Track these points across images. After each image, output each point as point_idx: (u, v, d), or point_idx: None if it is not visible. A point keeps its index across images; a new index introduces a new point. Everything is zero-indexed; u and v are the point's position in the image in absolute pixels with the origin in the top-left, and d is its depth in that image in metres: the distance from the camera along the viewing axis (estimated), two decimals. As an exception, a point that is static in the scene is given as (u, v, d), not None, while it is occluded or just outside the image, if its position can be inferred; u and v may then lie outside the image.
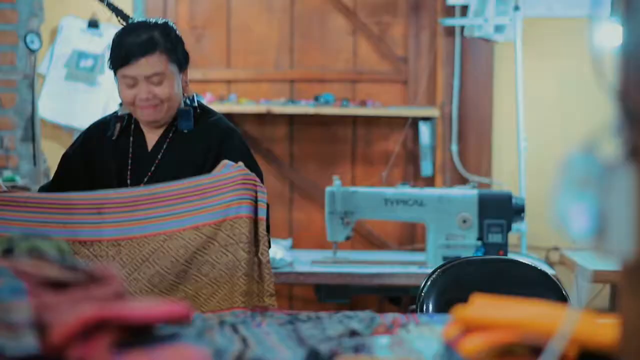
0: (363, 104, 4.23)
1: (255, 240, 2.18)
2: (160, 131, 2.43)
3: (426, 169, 4.22)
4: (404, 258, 3.75)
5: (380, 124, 4.31)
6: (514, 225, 3.53)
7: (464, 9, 4.07)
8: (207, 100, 4.20)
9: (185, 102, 2.43)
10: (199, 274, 2.16)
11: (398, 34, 4.32)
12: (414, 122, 4.25)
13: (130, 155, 2.41)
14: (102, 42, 4.18)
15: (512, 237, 3.96)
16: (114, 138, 2.43)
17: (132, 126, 2.46)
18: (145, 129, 2.44)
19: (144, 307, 1.33)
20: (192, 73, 4.35)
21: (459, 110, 4.22)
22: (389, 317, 1.88)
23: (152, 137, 2.44)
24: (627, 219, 0.97)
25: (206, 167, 2.34)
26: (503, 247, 3.43)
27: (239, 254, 2.16)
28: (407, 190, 3.46)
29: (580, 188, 1.00)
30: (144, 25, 2.37)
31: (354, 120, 4.31)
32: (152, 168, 2.39)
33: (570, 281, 3.95)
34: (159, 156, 2.40)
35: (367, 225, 4.31)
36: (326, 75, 4.32)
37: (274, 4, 4.31)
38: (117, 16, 2.45)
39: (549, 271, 2.58)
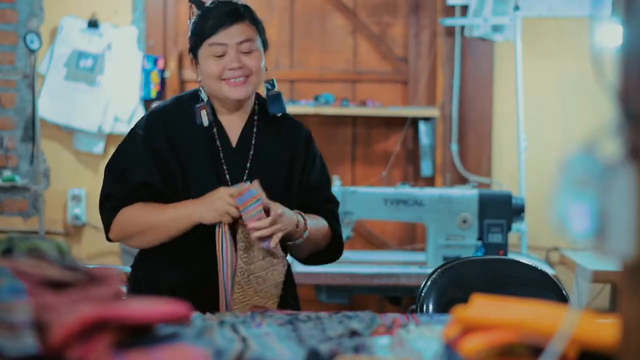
0: (363, 104, 4.23)
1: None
2: (241, 122, 2.28)
3: (426, 169, 4.22)
4: (404, 258, 3.75)
5: (380, 124, 4.31)
6: (514, 225, 3.53)
7: (464, 9, 4.07)
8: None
9: (266, 87, 2.30)
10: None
11: (398, 34, 4.32)
12: (414, 122, 4.25)
13: (220, 148, 2.24)
14: (102, 42, 4.18)
15: (512, 237, 3.96)
16: (206, 125, 2.23)
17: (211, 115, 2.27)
18: (223, 120, 2.27)
19: (144, 307, 1.33)
20: (192, 73, 4.36)
21: (459, 110, 4.22)
22: (389, 317, 1.88)
23: (233, 130, 2.27)
24: (627, 219, 0.97)
25: (293, 169, 2.28)
26: (503, 247, 3.43)
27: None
28: (407, 190, 3.46)
29: (580, 188, 1.00)
30: (226, 3, 2.24)
31: (354, 120, 4.31)
32: (248, 164, 2.25)
33: (571, 281, 3.95)
34: (251, 152, 2.26)
35: (367, 225, 4.31)
36: (326, 75, 4.33)
37: (274, 4, 4.31)
38: (191, 2, 2.27)
39: (549, 271, 2.58)
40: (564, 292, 2.33)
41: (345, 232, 3.45)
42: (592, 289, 3.98)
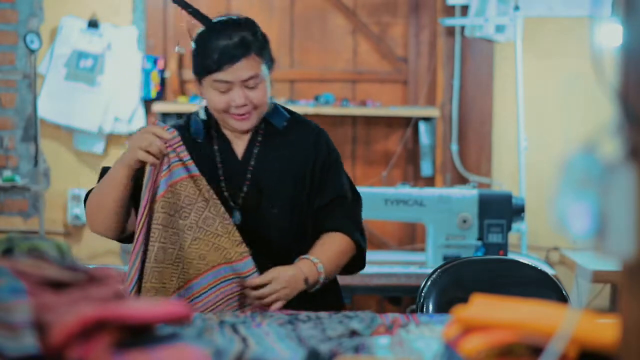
0: (363, 104, 4.24)
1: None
2: (247, 136, 2.24)
3: (426, 169, 4.22)
4: (404, 258, 3.75)
5: (380, 124, 4.31)
6: (514, 225, 3.53)
7: (464, 9, 4.07)
8: (207, 100, 4.20)
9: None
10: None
11: (398, 34, 4.32)
12: (414, 122, 4.25)
13: (219, 164, 2.21)
14: (102, 42, 4.18)
15: (512, 237, 3.96)
16: (199, 141, 2.20)
17: (214, 131, 2.24)
18: (229, 135, 2.24)
19: (144, 307, 1.33)
20: (192, 73, 4.36)
21: (459, 110, 4.22)
22: (389, 317, 1.88)
23: (239, 144, 2.23)
24: (627, 219, 0.97)
25: (303, 168, 2.22)
26: (503, 247, 3.43)
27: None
28: (407, 190, 3.46)
29: (580, 188, 1.00)
30: (232, 25, 2.14)
31: (354, 120, 4.31)
32: (249, 176, 2.20)
33: (571, 281, 3.95)
34: (252, 163, 2.21)
35: (367, 225, 4.30)
36: (326, 75, 4.33)
37: (274, 4, 4.31)
38: (194, 17, 2.18)
39: (549, 271, 2.58)
40: (564, 292, 2.33)
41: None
42: (592, 289, 3.98)
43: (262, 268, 2.09)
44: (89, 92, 4.16)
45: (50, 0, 4.22)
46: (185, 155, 2.06)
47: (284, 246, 2.19)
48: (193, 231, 2.07)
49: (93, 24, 4.17)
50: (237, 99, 2.12)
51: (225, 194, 2.18)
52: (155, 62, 4.22)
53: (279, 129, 2.25)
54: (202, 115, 2.23)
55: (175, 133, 2.06)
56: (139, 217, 2.04)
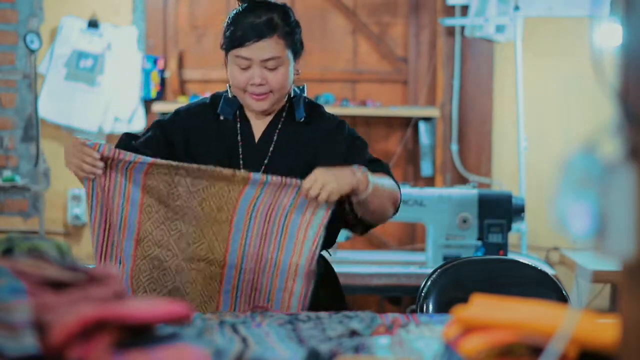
0: (363, 104, 4.24)
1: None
2: (267, 119, 2.28)
3: (426, 169, 4.22)
4: (404, 258, 3.75)
5: (380, 124, 4.31)
6: (514, 225, 3.53)
7: (464, 9, 4.07)
8: (207, 100, 4.20)
9: (294, 91, 2.30)
10: None
11: (398, 34, 4.32)
12: (414, 122, 4.25)
13: (240, 142, 2.25)
14: (102, 42, 4.18)
15: (512, 237, 3.96)
16: (223, 118, 2.26)
17: (238, 112, 2.29)
18: (251, 116, 2.28)
19: (144, 307, 1.33)
20: (192, 73, 4.38)
21: (459, 110, 4.22)
22: (389, 317, 1.88)
23: (259, 125, 2.27)
24: (627, 219, 0.96)
25: (318, 160, 2.19)
26: (503, 247, 3.42)
27: None
28: (407, 190, 3.46)
29: (580, 188, 1.00)
30: (264, 6, 2.20)
31: (354, 120, 4.31)
32: (265, 161, 2.23)
33: (571, 281, 3.95)
34: (271, 148, 2.25)
35: (367, 225, 4.31)
36: (326, 75, 4.32)
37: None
38: None
39: (549, 271, 2.58)
40: (564, 292, 2.33)
41: (346, 232, 3.45)
42: (592, 289, 3.98)
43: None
44: (89, 92, 4.16)
45: (50, 0, 4.22)
46: (129, 156, 2.08)
47: None
48: (192, 197, 2.10)
49: (93, 24, 4.17)
50: (255, 77, 2.16)
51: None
52: (155, 62, 4.22)
53: (300, 119, 2.28)
54: (230, 94, 2.27)
55: (101, 145, 2.08)
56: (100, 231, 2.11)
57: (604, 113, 3.79)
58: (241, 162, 2.24)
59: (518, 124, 3.88)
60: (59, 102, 4.15)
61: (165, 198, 2.09)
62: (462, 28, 4.13)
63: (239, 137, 2.26)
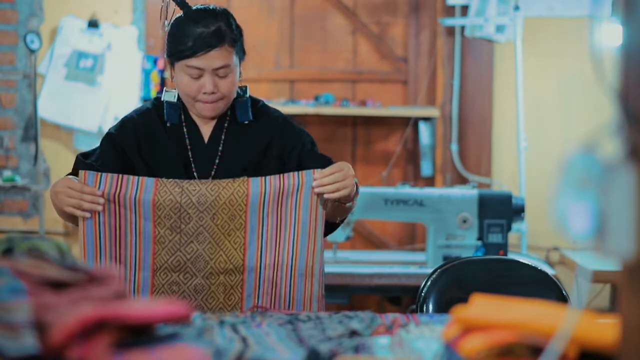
0: (363, 104, 4.24)
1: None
2: (213, 122, 2.32)
3: (426, 169, 4.22)
4: (404, 258, 3.75)
5: (380, 124, 4.31)
6: (514, 225, 3.53)
7: (464, 9, 4.07)
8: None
9: (238, 93, 2.32)
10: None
11: (398, 34, 4.32)
12: (414, 122, 4.25)
13: (189, 146, 2.28)
14: (102, 42, 4.18)
15: (512, 237, 3.96)
16: (169, 124, 2.29)
17: (183, 115, 2.32)
18: (196, 119, 2.31)
19: (144, 307, 1.33)
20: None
21: (459, 110, 4.22)
22: (389, 317, 1.88)
23: (206, 128, 2.31)
24: (627, 219, 0.96)
25: (267, 156, 2.27)
26: (503, 247, 3.43)
27: None
28: (407, 190, 3.46)
29: (580, 188, 1.00)
30: (209, 14, 2.24)
31: (354, 120, 4.31)
32: (217, 161, 2.28)
33: (571, 281, 3.95)
34: (220, 148, 2.29)
35: (367, 225, 4.31)
36: (326, 75, 4.32)
37: (274, 4, 4.31)
38: (175, 2, 2.29)
39: (549, 271, 2.58)
40: (564, 292, 2.33)
41: (346, 232, 3.46)
42: (592, 289, 3.98)
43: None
44: (89, 92, 4.16)
45: (50, 0, 4.22)
46: (132, 183, 2.09)
47: None
48: (203, 215, 2.12)
49: (93, 24, 4.17)
50: (207, 85, 2.19)
51: (195, 174, 2.26)
52: (155, 62, 4.21)
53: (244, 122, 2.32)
54: (174, 99, 2.30)
55: (102, 178, 2.09)
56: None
57: (604, 113, 3.79)
58: (192, 165, 2.27)
59: (518, 123, 3.88)
60: (59, 102, 4.15)
61: (177, 224, 2.11)
62: (462, 28, 4.13)
63: (187, 141, 2.29)
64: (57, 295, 1.30)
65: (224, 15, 2.26)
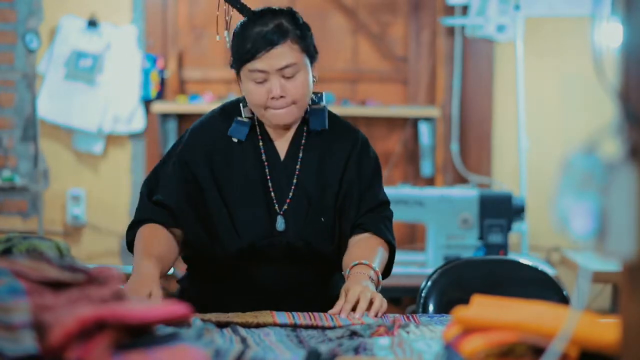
0: (363, 103, 4.23)
1: None
2: (289, 135, 2.11)
3: (426, 169, 4.22)
4: (404, 258, 3.75)
5: (380, 124, 4.31)
6: (515, 226, 3.53)
7: (465, 9, 4.07)
8: (207, 99, 4.20)
9: (312, 100, 2.12)
10: None
11: (398, 34, 4.32)
12: (414, 122, 4.25)
13: (266, 163, 2.08)
14: (101, 42, 4.18)
15: (512, 237, 3.95)
16: (242, 140, 2.08)
17: (258, 129, 2.11)
18: (272, 133, 2.11)
19: (144, 308, 1.33)
20: (192, 72, 4.37)
21: (459, 110, 4.22)
22: (389, 317, 1.87)
23: (281, 143, 2.11)
24: (628, 219, 0.96)
25: (346, 176, 2.11)
26: (504, 247, 3.42)
27: None
28: (407, 190, 3.46)
29: (581, 188, 0.99)
30: (269, 12, 2.06)
31: (354, 120, 4.31)
32: (294, 181, 2.08)
33: (572, 282, 3.94)
34: (297, 167, 2.09)
35: (367, 225, 4.30)
36: (326, 75, 4.32)
37: (274, 4, 4.30)
38: (234, 7, 2.08)
39: (550, 271, 2.57)
40: (564, 292, 2.33)
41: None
42: (593, 290, 3.98)
43: (298, 275, 2.04)
44: (89, 91, 4.16)
45: None
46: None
47: (326, 255, 2.10)
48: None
49: (92, 24, 4.17)
50: (274, 89, 1.99)
51: (272, 194, 2.08)
52: (154, 61, 4.21)
53: (322, 131, 2.13)
54: (247, 113, 2.10)
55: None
56: None
57: (604, 113, 3.79)
58: (269, 183, 2.09)
59: (518, 123, 3.88)
60: (58, 102, 4.15)
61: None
62: (463, 28, 4.13)
63: (263, 157, 2.10)
64: (56, 296, 1.30)
65: (287, 12, 2.09)
